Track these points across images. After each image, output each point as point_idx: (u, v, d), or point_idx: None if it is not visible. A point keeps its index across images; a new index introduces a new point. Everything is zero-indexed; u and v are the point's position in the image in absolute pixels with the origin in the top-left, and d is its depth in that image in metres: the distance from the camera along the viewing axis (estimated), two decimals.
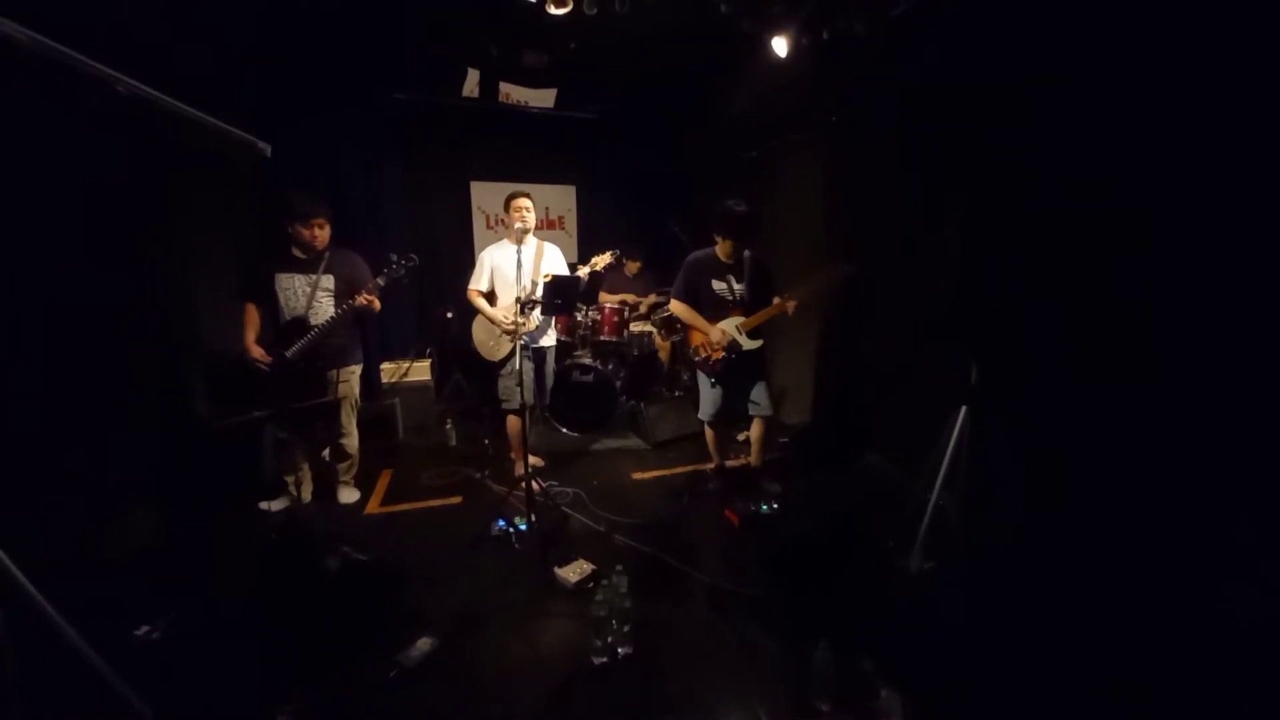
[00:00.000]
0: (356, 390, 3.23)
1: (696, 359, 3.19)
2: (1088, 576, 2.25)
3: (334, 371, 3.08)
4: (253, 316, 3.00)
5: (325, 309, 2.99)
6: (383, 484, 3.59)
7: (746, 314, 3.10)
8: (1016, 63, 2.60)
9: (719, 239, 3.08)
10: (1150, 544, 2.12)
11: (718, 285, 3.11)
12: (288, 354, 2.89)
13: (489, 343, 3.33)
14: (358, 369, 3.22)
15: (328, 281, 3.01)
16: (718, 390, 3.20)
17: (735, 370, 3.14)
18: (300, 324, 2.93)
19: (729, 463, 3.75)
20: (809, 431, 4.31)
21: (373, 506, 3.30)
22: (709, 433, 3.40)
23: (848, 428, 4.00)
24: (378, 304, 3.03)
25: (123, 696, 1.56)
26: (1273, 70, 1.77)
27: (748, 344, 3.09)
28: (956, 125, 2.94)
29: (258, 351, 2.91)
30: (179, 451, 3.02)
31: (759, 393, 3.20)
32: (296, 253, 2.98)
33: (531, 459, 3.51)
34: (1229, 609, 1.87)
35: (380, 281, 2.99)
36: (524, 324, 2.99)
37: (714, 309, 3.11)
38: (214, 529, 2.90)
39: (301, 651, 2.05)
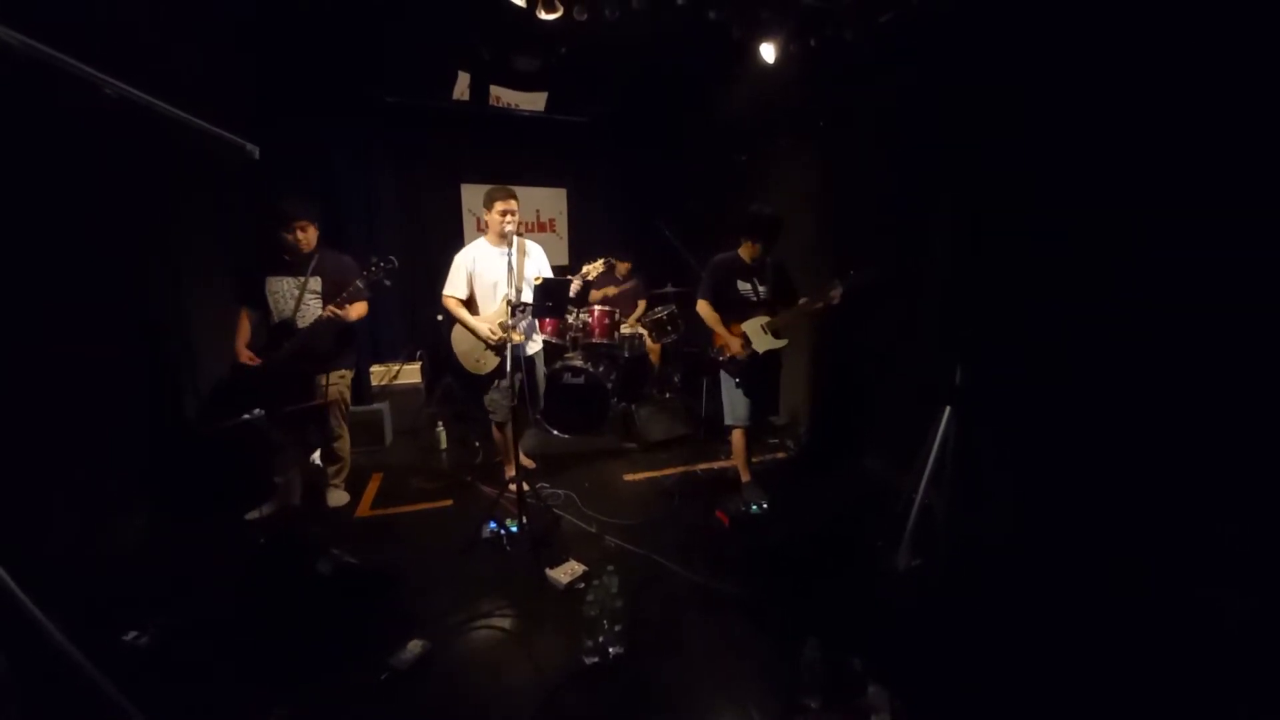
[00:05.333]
0: (347, 394, 3.22)
1: (721, 359, 3.20)
2: (1073, 573, 2.29)
3: (323, 375, 3.07)
4: (243, 322, 2.99)
5: (313, 312, 2.97)
6: (373, 487, 3.58)
7: (770, 315, 3.14)
8: (1002, 69, 2.65)
9: (745, 241, 3.10)
10: (1134, 540, 2.17)
11: (743, 286, 3.13)
12: (274, 357, 2.89)
13: (473, 355, 3.19)
14: (348, 374, 3.21)
15: (315, 284, 3.00)
16: (743, 392, 3.17)
17: (758, 369, 3.15)
18: (288, 327, 2.93)
19: (717, 464, 3.78)
20: (802, 433, 4.35)
21: (363, 509, 3.29)
22: (739, 440, 3.31)
23: (839, 429, 4.04)
24: (351, 315, 2.99)
25: (114, 700, 1.55)
26: (1262, 72, 1.82)
27: (770, 344, 3.11)
28: (944, 130, 2.99)
29: (246, 356, 2.91)
30: (170, 456, 3.00)
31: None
32: (286, 256, 2.97)
33: (523, 460, 3.49)
34: (1212, 606, 1.91)
35: (360, 284, 2.97)
36: (512, 332, 2.91)
37: (740, 309, 3.14)
38: (205, 533, 2.88)
39: (293, 655, 2.05)
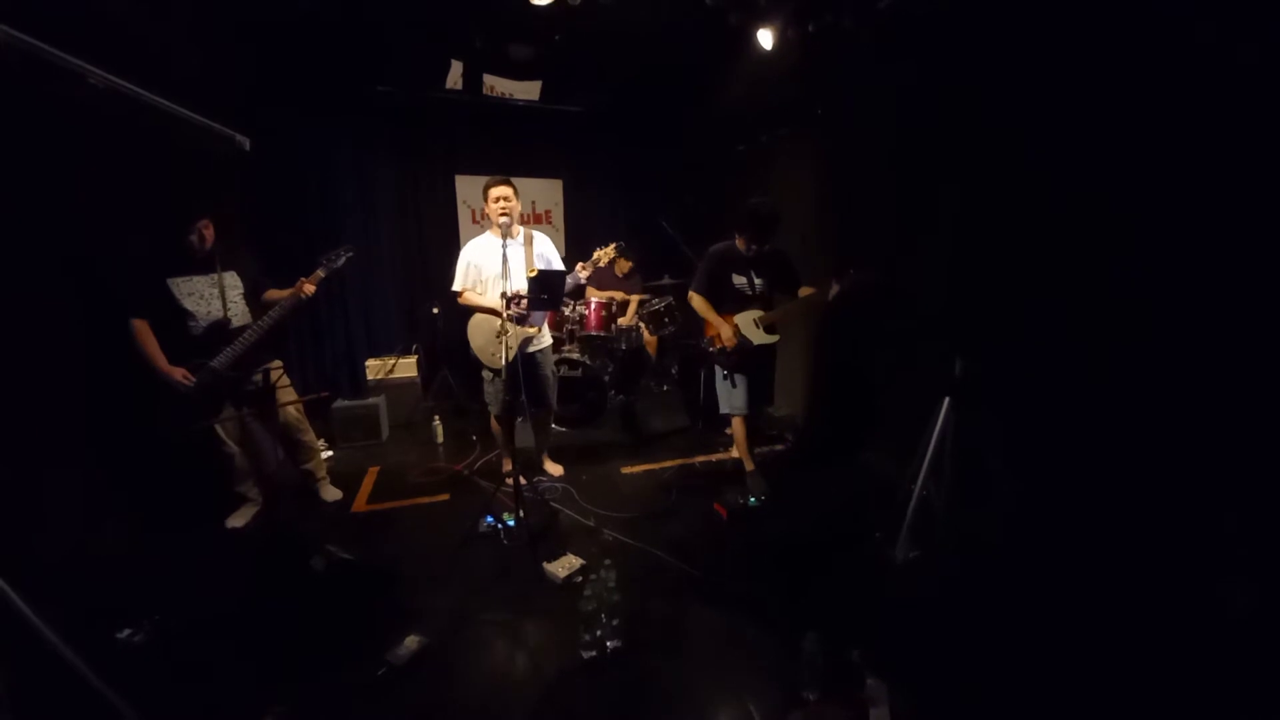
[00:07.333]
0: (288, 382, 3.07)
1: (711, 349, 3.18)
2: (1072, 565, 2.29)
3: (259, 375, 2.87)
4: (147, 336, 2.61)
5: (242, 310, 2.81)
6: (369, 481, 3.56)
7: (765, 309, 3.11)
8: (1003, 56, 2.61)
9: (741, 235, 3.04)
10: (1134, 533, 2.17)
11: (738, 279, 3.09)
12: (214, 364, 2.63)
13: (489, 349, 3.04)
14: (279, 363, 3.01)
15: (233, 280, 2.79)
16: (736, 383, 3.14)
17: (749, 365, 3.13)
18: (222, 329, 2.68)
19: (715, 457, 3.77)
20: (800, 425, 4.34)
21: (359, 504, 3.27)
22: (738, 429, 3.28)
23: (837, 421, 4.04)
24: (312, 288, 2.86)
25: (109, 700, 1.54)
26: (1265, 71, 1.79)
27: (761, 339, 3.08)
28: (944, 119, 2.96)
29: (180, 374, 2.59)
30: (157, 460, 2.95)
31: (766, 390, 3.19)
32: (187, 253, 2.68)
33: (550, 467, 3.55)
34: (1213, 599, 1.91)
35: (321, 273, 2.86)
36: (532, 329, 2.89)
37: (735, 303, 3.10)
38: (197, 532, 2.87)
39: (289, 652, 2.04)
